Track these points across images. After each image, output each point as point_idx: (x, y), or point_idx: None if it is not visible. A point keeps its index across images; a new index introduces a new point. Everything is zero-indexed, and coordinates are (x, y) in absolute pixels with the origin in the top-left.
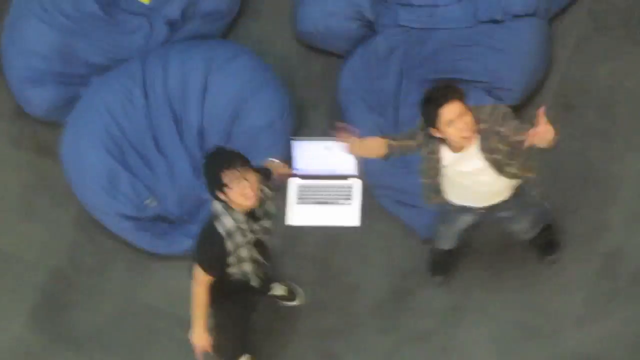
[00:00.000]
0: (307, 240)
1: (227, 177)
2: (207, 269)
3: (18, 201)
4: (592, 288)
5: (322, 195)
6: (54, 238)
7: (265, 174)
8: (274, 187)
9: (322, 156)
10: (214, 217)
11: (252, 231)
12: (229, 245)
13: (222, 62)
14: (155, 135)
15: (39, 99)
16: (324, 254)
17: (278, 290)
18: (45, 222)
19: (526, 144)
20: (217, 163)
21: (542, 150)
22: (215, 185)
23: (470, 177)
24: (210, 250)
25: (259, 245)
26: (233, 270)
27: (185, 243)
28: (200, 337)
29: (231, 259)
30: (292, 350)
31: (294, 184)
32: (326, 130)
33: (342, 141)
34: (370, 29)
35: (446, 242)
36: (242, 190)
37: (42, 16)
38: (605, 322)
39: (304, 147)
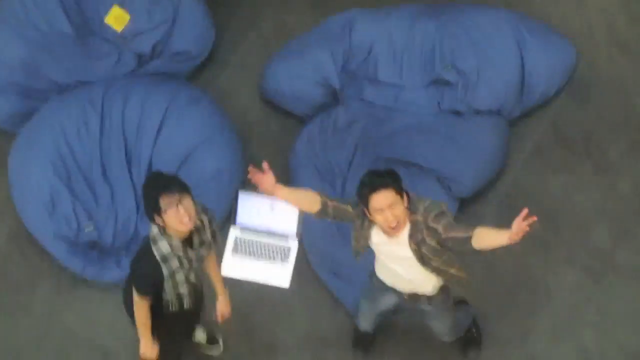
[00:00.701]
0: (234, 292)
1: (164, 201)
2: (141, 292)
3: None
4: None
5: (258, 250)
6: None
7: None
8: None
9: (266, 213)
10: (151, 240)
11: (187, 258)
12: (164, 270)
13: (182, 104)
14: (104, 163)
15: None
16: (248, 309)
17: (199, 335)
18: None
19: (508, 241)
20: (155, 186)
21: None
22: (153, 208)
23: (395, 262)
24: (145, 274)
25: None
26: (168, 295)
27: (115, 272)
28: (147, 348)
29: (167, 284)
30: None
31: (232, 235)
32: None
33: (256, 181)
34: (334, 98)
35: (365, 322)
36: (177, 215)
37: (13, 26)
38: None
39: (249, 201)
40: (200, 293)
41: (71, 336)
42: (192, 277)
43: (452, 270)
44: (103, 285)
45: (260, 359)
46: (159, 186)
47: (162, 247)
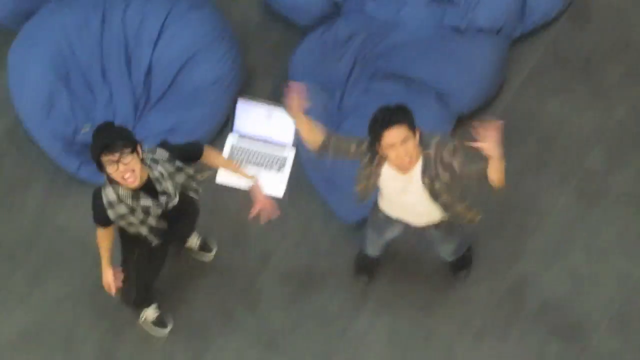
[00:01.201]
0: (229, 201)
1: (104, 158)
2: (95, 221)
3: None
4: (495, 308)
5: (254, 159)
6: None
7: (180, 153)
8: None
9: (264, 121)
10: (104, 184)
11: (141, 207)
12: (111, 214)
13: (183, 9)
14: (103, 64)
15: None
16: (243, 217)
17: (192, 241)
18: None
19: (493, 159)
20: (97, 145)
21: (491, 189)
22: (96, 164)
23: (405, 197)
24: (97, 210)
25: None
26: (129, 229)
27: None
28: (105, 275)
29: (121, 223)
30: (194, 304)
31: (228, 143)
32: (270, 97)
33: (289, 99)
34: (335, 10)
35: (372, 249)
36: (117, 173)
37: None
38: (499, 342)
39: (248, 108)
40: (192, 210)
41: (63, 235)
42: (153, 222)
43: (460, 207)
44: (94, 185)
45: (253, 266)
46: (100, 145)
47: (108, 194)
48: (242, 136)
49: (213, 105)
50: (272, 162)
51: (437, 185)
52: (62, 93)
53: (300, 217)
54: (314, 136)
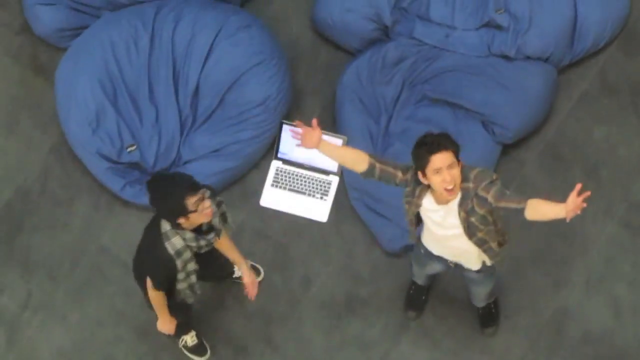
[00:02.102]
0: (273, 224)
1: (191, 201)
2: (157, 287)
3: (2, 113)
4: (536, 338)
5: (298, 184)
6: (28, 159)
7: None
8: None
9: None
10: (163, 237)
11: (198, 247)
12: (179, 264)
13: (233, 28)
14: (151, 83)
15: (48, 18)
16: (286, 241)
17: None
18: (24, 140)
19: (566, 217)
20: (179, 189)
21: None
22: (179, 211)
23: (442, 231)
24: (160, 271)
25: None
26: (181, 285)
27: None
28: (166, 325)
29: (180, 275)
30: (235, 329)
31: (273, 167)
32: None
33: (303, 134)
34: (384, 33)
35: (419, 279)
36: (206, 210)
37: None
38: None
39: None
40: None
41: (105, 255)
42: (195, 265)
43: (493, 245)
44: (140, 207)
45: (294, 291)
46: (183, 187)
47: (175, 243)
48: (286, 161)
49: (260, 127)
50: (316, 187)
51: (473, 219)
52: (108, 112)
53: (343, 244)
54: (353, 162)
